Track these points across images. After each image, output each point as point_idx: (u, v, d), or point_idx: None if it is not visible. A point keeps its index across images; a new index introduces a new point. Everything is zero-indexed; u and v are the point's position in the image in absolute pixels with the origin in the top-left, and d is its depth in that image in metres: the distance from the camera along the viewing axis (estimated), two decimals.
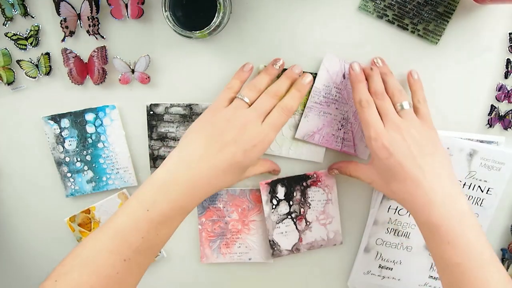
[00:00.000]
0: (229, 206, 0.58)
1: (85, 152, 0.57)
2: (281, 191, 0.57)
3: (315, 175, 0.57)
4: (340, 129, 0.55)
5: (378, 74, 0.49)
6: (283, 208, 0.57)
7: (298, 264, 0.60)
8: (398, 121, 0.46)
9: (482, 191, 0.56)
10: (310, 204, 0.57)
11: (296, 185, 0.57)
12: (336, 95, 0.54)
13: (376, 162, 0.47)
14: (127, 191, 0.59)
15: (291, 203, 0.57)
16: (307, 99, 0.54)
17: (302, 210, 0.58)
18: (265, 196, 0.57)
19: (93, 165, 0.57)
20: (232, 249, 0.59)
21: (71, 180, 0.58)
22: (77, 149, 0.57)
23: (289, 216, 0.58)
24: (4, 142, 0.58)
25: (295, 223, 0.58)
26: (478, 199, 0.56)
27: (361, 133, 0.55)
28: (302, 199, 0.57)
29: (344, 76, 0.54)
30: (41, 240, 0.61)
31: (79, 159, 0.57)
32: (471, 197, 0.56)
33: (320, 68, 0.53)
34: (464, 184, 0.56)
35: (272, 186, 0.57)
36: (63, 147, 0.57)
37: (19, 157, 0.58)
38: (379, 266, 0.59)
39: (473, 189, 0.56)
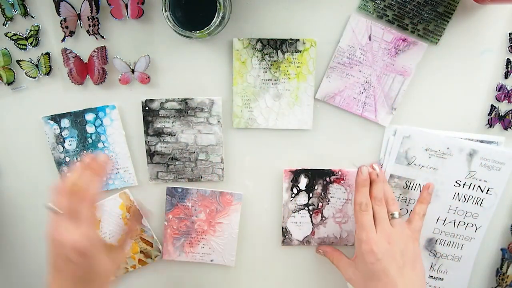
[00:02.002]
0: (198, 206, 0.58)
1: (85, 152, 0.57)
2: (303, 182, 0.57)
3: (340, 173, 0.57)
4: (362, 93, 0.55)
5: (382, 182, 0.52)
6: (302, 198, 0.57)
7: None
8: (389, 229, 0.49)
9: (482, 191, 0.56)
10: (329, 200, 0.57)
11: (320, 179, 0.57)
12: (360, 57, 0.54)
13: (360, 263, 0.49)
14: (129, 191, 0.59)
15: (311, 195, 0.57)
16: (331, 59, 0.54)
17: (320, 204, 0.58)
18: (286, 184, 0.57)
19: None
20: (195, 249, 0.59)
21: None
22: (77, 149, 0.57)
23: (306, 208, 0.58)
24: (4, 142, 0.58)
25: (310, 216, 0.58)
26: (478, 199, 0.56)
27: (383, 98, 0.54)
28: (322, 194, 0.57)
29: (370, 38, 0.53)
30: (41, 240, 0.61)
31: (79, 159, 0.57)
32: (471, 197, 0.56)
33: (345, 28, 0.53)
34: (464, 184, 0.56)
35: (296, 175, 0.57)
36: (63, 147, 0.57)
37: (19, 157, 0.58)
38: None
39: (473, 189, 0.56)
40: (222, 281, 0.62)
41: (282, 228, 0.59)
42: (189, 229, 0.59)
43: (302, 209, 0.58)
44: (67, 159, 0.57)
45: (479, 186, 0.56)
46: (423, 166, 0.55)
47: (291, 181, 0.57)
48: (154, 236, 0.60)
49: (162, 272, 0.62)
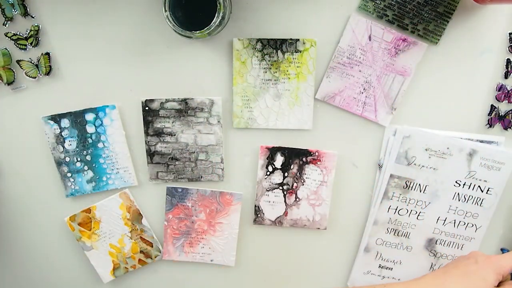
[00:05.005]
0: (198, 206, 0.58)
1: (85, 152, 0.57)
2: (279, 160, 0.57)
3: (317, 153, 0.56)
4: (362, 93, 0.55)
5: None
6: (277, 177, 0.57)
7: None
8: None
9: (482, 191, 0.56)
10: (304, 181, 0.57)
11: (296, 159, 0.56)
12: (360, 57, 0.54)
13: None
14: (129, 191, 0.59)
15: (286, 174, 0.57)
16: (331, 59, 0.54)
17: (295, 184, 0.57)
18: (261, 161, 0.57)
19: (93, 165, 0.57)
20: (195, 249, 0.59)
21: (71, 180, 0.58)
22: (77, 149, 0.57)
23: (280, 187, 0.57)
24: (4, 142, 0.58)
25: (284, 196, 0.58)
26: (478, 199, 0.56)
27: (383, 98, 0.54)
28: (297, 174, 0.57)
29: (370, 38, 0.53)
30: (41, 240, 0.61)
31: (79, 159, 0.57)
32: (471, 197, 0.56)
33: (345, 28, 0.53)
34: (464, 184, 0.56)
35: (272, 152, 0.56)
36: (63, 147, 0.57)
37: (19, 157, 0.58)
38: (379, 266, 0.59)
39: (473, 189, 0.56)
40: (222, 281, 0.62)
41: (255, 206, 0.58)
42: (189, 229, 0.59)
43: (276, 188, 0.57)
44: (67, 159, 0.57)
45: (479, 186, 0.56)
46: (423, 166, 0.55)
47: (267, 158, 0.57)
48: (154, 236, 0.60)
49: (162, 272, 0.62)
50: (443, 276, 0.50)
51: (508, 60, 0.54)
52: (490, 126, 0.56)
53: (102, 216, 0.59)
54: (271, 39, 0.53)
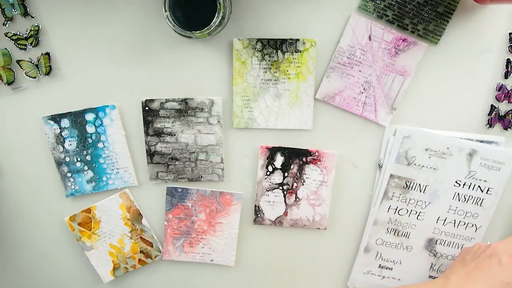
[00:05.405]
0: (198, 206, 0.58)
1: (85, 152, 0.57)
2: (279, 160, 0.57)
3: (317, 153, 0.56)
4: (362, 93, 0.55)
5: None
6: (277, 177, 0.57)
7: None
8: None
9: (482, 191, 0.56)
10: (304, 181, 0.57)
11: (296, 159, 0.56)
12: (360, 57, 0.54)
13: None
14: (129, 191, 0.59)
15: (286, 174, 0.57)
16: (331, 59, 0.54)
17: (295, 184, 0.57)
18: (261, 161, 0.57)
19: (93, 165, 0.57)
20: (195, 249, 0.59)
21: (71, 180, 0.58)
22: (77, 149, 0.57)
23: (280, 187, 0.57)
24: (4, 142, 0.58)
25: (284, 196, 0.58)
26: (478, 199, 0.56)
27: (383, 98, 0.54)
28: (297, 174, 0.57)
29: (370, 38, 0.53)
30: (41, 240, 0.61)
31: (79, 159, 0.57)
32: (471, 197, 0.56)
33: (345, 28, 0.53)
34: (464, 184, 0.56)
35: (272, 152, 0.56)
36: (63, 147, 0.57)
37: (19, 157, 0.58)
38: (379, 266, 0.59)
39: (473, 189, 0.56)
40: (222, 281, 0.62)
41: (255, 206, 0.58)
42: (189, 229, 0.59)
43: (276, 188, 0.57)
44: (67, 159, 0.57)
45: (479, 186, 0.56)
46: (423, 166, 0.56)
47: (267, 159, 0.57)
48: (154, 236, 0.60)
49: (162, 272, 0.62)
50: (466, 280, 0.49)
51: (508, 60, 0.54)
52: (490, 126, 0.56)
53: (102, 216, 0.59)
54: (271, 39, 0.53)
